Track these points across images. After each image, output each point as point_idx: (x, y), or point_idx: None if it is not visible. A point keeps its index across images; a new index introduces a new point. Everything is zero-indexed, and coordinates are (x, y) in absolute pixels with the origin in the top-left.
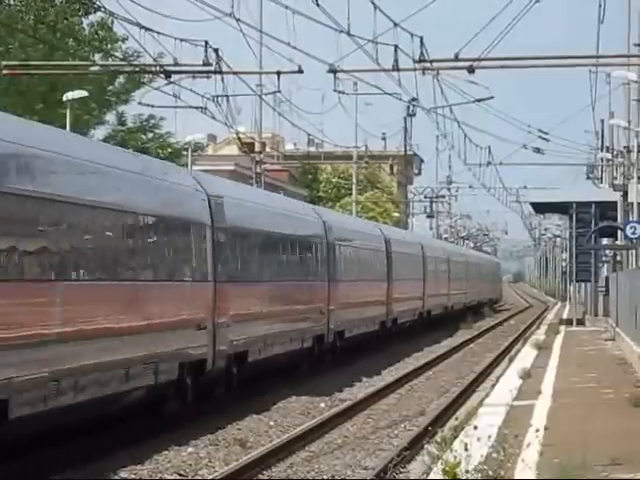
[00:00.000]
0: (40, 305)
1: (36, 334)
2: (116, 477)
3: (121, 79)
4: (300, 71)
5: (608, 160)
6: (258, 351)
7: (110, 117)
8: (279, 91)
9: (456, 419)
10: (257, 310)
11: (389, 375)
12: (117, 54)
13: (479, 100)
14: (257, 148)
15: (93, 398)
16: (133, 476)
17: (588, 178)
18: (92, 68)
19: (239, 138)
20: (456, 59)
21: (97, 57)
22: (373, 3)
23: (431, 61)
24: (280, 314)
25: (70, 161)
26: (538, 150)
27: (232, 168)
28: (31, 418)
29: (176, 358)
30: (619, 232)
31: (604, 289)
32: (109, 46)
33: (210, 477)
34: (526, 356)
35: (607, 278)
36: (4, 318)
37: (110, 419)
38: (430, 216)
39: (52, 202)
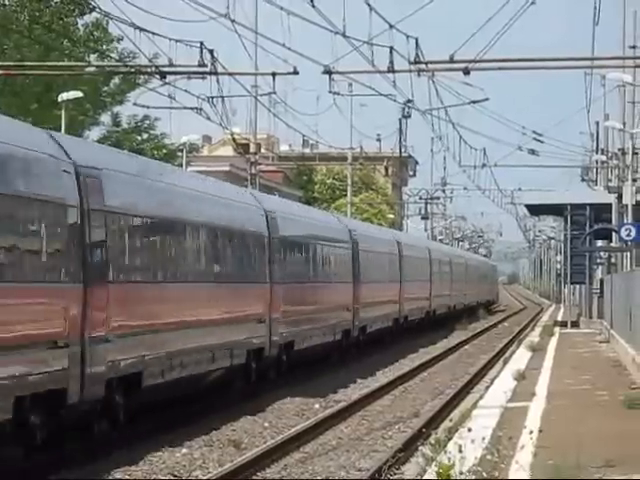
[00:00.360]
0: (158, 301)
1: (156, 323)
2: (110, 478)
3: (116, 80)
4: (295, 72)
5: (603, 162)
6: (302, 341)
7: (105, 118)
8: (274, 92)
9: (450, 421)
10: (301, 307)
11: (383, 376)
12: (112, 55)
13: (474, 102)
14: (252, 149)
15: (192, 374)
16: (127, 477)
17: (583, 180)
18: (87, 69)
19: (234, 139)
20: (451, 61)
21: (92, 58)
22: (368, 4)
23: (426, 62)
24: (318, 311)
25: (183, 191)
26: (533, 152)
27: (227, 169)
28: (153, 388)
29: (245, 346)
30: (614, 234)
31: (599, 291)
32: (104, 47)
33: (204, 478)
34: (520, 358)
35: (602, 280)
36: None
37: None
38: (425, 218)
39: (167, 221)
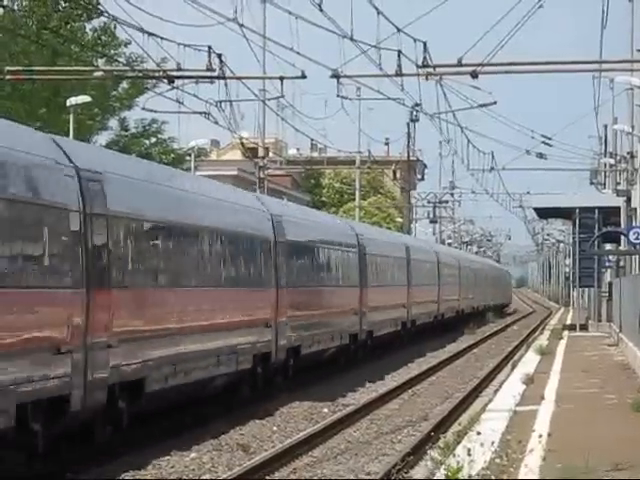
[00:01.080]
0: (161, 306)
1: (159, 329)
2: None
3: (124, 84)
4: (303, 76)
5: (611, 165)
6: (308, 346)
7: (113, 123)
8: (282, 96)
9: (459, 424)
10: (308, 311)
11: (392, 380)
12: (120, 59)
13: (482, 105)
14: (260, 153)
15: (197, 380)
16: None
17: (591, 183)
18: (95, 73)
19: (242, 143)
20: (459, 64)
21: (100, 62)
22: (376, 8)
23: (434, 66)
24: (325, 315)
25: (187, 195)
26: (541, 155)
27: (235, 173)
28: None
29: (252, 350)
30: (622, 237)
31: (607, 294)
32: (112, 51)
33: None
34: (529, 361)
35: (610, 283)
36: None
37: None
38: (433, 221)
39: (171, 225)
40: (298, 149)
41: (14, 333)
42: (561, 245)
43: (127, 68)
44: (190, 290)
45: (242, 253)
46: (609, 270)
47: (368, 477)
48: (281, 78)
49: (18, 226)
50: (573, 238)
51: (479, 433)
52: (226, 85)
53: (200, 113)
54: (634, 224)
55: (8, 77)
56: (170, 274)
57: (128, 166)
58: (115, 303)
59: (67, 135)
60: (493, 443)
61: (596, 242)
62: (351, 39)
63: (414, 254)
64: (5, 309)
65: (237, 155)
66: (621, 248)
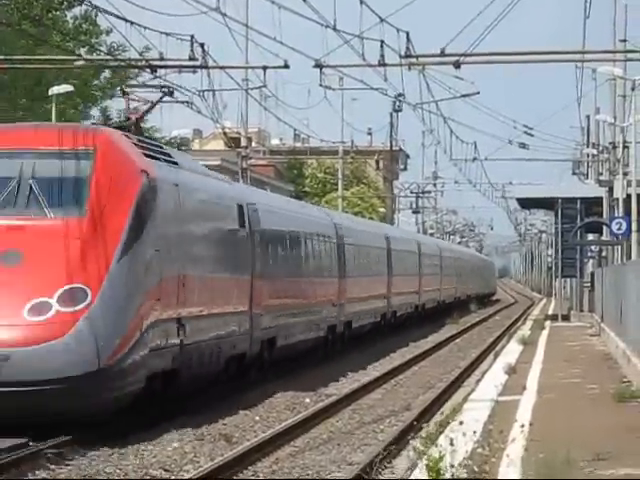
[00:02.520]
0: (286, 290)
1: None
2: (101, 472)
3: (106, 73)
4: (286, 66)
5: (594, 156)
6: (358, 318)
7: (95, 112)
8: (265, 86)
9: (441, 414)
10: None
11: (374, 370)
12: (102, 48)
13: (465, 95)
14: (243, 143)
15: (301, 340)
16: (118, 471)
17: (574, 174)
18: (77, 62)
19: (225, 133)
20: (442, 54)
21: (82, 52)
22: None
23: (417, 56)
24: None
25: (290, 213)
26: (524, 145)
27: (218, 163)
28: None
29: (325, 322)
30: (604, 228)
31: (589, 285)
32: (93, 40)
33: (195, 472)
34: (511, 352)
35: (592, 274)
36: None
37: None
38: (416, 211)
39: (289, 234)
40: (281, 139)
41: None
42: (543, 235)
43: (109, 57)
44: (301, 279)
45: (321, 252)
46: (591, 260)
47: (350, 467)
48: (264, 68)
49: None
50: (555, 228)
51: (461, 423)
52: (209, 75)
53: (183, 102)
54: (616, 214)
55: None
56: (292, 268)
57: (266, 198)
58: (263, 285)
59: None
60: (475, 433)
61: (578, 232)
62: (334, 29)
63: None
64: (220, 287)
65: (220, 145)
66: (603, 238)
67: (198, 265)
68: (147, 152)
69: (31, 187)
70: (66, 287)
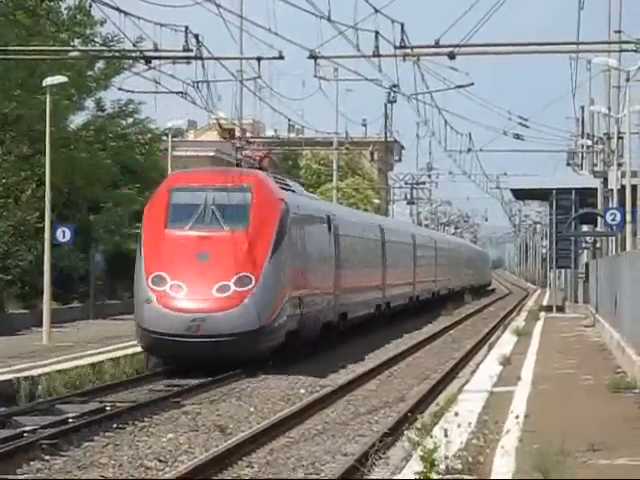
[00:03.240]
0: (355, 276)
1: (355, 287)
2: (96, 463)
3: (100, 64)
4: (281, 57)
5: (588, 147)
6: (396, 299)
7: (90, 103)
8: (259, 77)
9: (436, 405)
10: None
11: (369, 361)
12: (96, 39)
13: (460, 86)
14: (238, 134)
15: (361, 315)
16: (113, 462)
17: (568, 165)
18: (71, 53)
19: (219, 124)
20: (437, 45)
21: (76, 42)
22: None
23: (412, 47)
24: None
25: (357, 220)
26: (518, 136)
27: (213, 154)
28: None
29: (375, 301)
30: (599, 219)
31: (584, 276)
32: (87, 31)
33: (190, 463)
34: (506, 343)
35: (587, 265)
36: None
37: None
38: (411, 202)
39: (359, 238)
40: (276, 130)
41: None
42: (538, 226)
43: (104, 48)
44: (361, 269)
45: (371, 249)
46: (586, 251)
47: (345, 458)
48: (258, 59)
49: (311, 239)
50: (550, 219)
51: (456, 414)
52: (203, 66)
53: (177, 93)
54: (611, 205)
55: None
56: (356, 261)
57: (340, 210)
58: (341, 273)
59: (44, 115)
60: (470, 424)
61: (573, 223)
62: (329, 20)
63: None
64: (321, 276)
65: (214, 136)
66: (598, 229)
67: (309, 260)
68: (280, 185)
69: (213, 211)
70: (238, 275)
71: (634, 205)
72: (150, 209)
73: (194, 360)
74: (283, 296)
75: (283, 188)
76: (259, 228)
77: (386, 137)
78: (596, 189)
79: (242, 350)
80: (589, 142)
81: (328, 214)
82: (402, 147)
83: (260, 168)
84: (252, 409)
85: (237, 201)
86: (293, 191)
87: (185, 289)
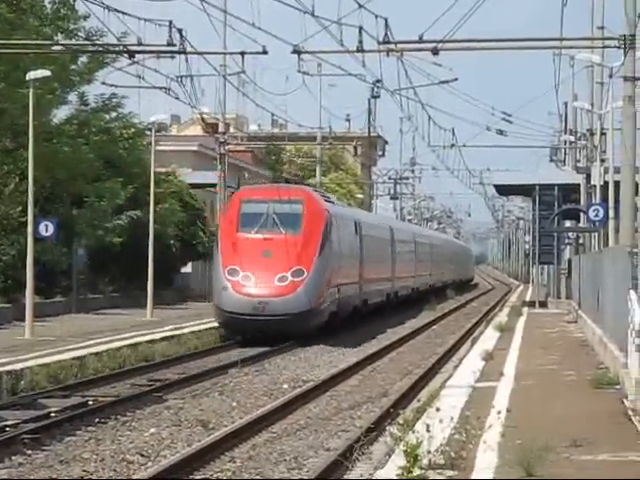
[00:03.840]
0: (372, 270)
1: (371, 278)
2: (78, 458)
3: (84, 59)
4: (264, 52)
5: (571, 143)
6: (402, 288)
7: (73, 97)
8: (243, 72)
9: (419, 401)
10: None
11: (352, 356)
12: (80, 34)
13: (443, 82)
14: (221, 129)
15: (377, 302)
16: (95, 456)
17: (551, 160)
18: (55, 47)
19: (203, 119)
20: (420, 41)
21: (60, 37)
22: None
23: (395, 42)
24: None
25: (378, 222)
26: (501, 132)
27: (195, 149)
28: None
29: (386, 291)
30: (582, 215)
31: (567, 271)
32: (71, 25)
33: (172, 458)
34: (489, 338)
35: (570, 260)
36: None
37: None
38: (394, 198)
39: (377, 237)
40: (259, 125)
41: (353, 279)
42: (521, 222)
43: (87, 42)
44: (376, 264)
45: (383, 247)
46: (568, 247)
47: (328, 453)
48: (242, 53)
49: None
50: (533, 215)
51: (438, 409)
52: (187, 60)
53: (160, 88)
54: (593, 201)
55: None
56: (374, 257)
57: (365, 215)
58: (364, 267)
59: (27, 110)
60: (452, 419)
61: (556, 219)
62: (312, 15)
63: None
64: (351, 270)
65: (198, 130)
66: (580, 225)
67: (344, 257)
68: (324, 197)
69: (274, 219)
70: (294, 268)
71: (617, 201)
72: (225, 216)
73: (259, 334)
74: (327, 285)
75: (326, 200)
76: (309, 232)
77: (369, 132)
78: (579, 185)
79: (296, 327)
80: (572, 138)
81: (355, 219)
82: (385, 142)
83: (302, 183)
84: (235, 404)
85: (292, 211)
86: (332, 202)
87: (253, 279)
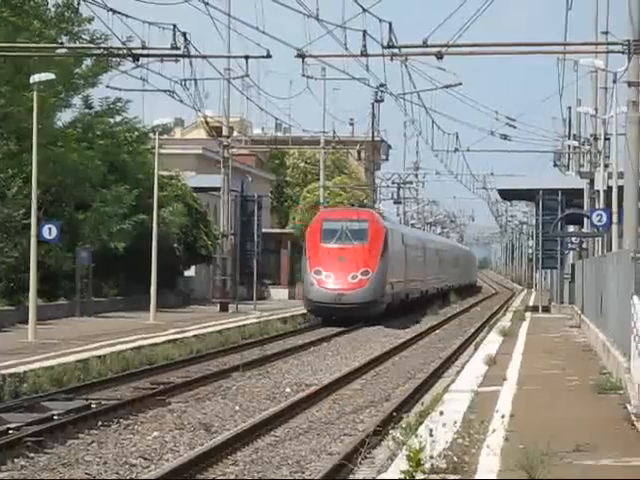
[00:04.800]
0: (412, 272)
1: (411, 279)
2: (80, 461)
3: (88, 62)
4: (268, 56)
5: (575, 147)
6: (431, 286)
7: (77, 100)
8: (247, 75)
9: (422, 405)
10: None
11: (355, 360)
12: (84, 37)
13: (447, 86)
14: (225, 132)
15: (414, 297)
16: (98, 460)
17: (555, 165)
18: (59, 50)
19: (206, 122)
20: (424, 45)
21: (64, 40)
22: None
23: (399, 47)
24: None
25: (416, 234)
26: (505, 137)
27: (199, 152)
28: (410, 299)
29: (420, 289)
30: (585, 220)
31: (570, 276)
32: (75, 28)
33: (175, 461)
34: (492, 342)
35: (573, 265)
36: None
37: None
38: (397, 202)
39: (419, 246)
40: (263, 128)
41: (400, 278)
42: (524, 227)
43: (92, 45)
44: (415, 267)
45: (417, 254)
46: (572, 252)
47: (330, 457)
48: (246, 57)
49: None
50: (536, 220)
51: (441, 413)
52: (191, 64)
53: (165, 91)
54: (597, 206)
55: None
56: (413, 262)
57: (407, 229)
58: (407, 270)
59: (30, 113)
60: (455, 423)
61: (559, 224)
62: (316, 19)
63: (427, 244)
64: (399, 271)
65: (202, 134)
66: (584, 230)
67: (395, 262)
68: (382, 216)
69: (346, 233)
70: (362, 269)
71: (620, 206)
72: (310, 231)
73: (337, 317)
74: (385, 282)
75: (383, 218)
76: (373, 243)
77: (373, 136)
78: (582, 190)
79: (363, 313)
80: (576, 143)
81: (402, 233)
82: (389, 146)
83: (367, 206)
84: (237, 407)
85: (360, 227)
86: (389, 220)
87: (332, 277)
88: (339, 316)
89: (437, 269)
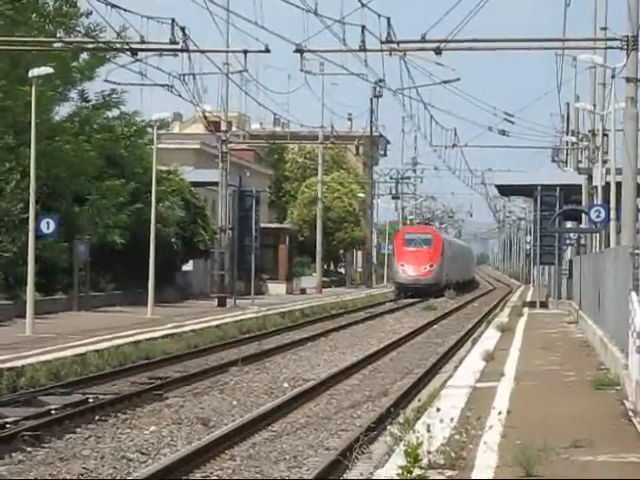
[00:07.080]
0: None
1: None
2: (78, 455)
3: (85, 55)
4: (267, 50)
5: (573, 143)
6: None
7: (74, 94)
8: (246, 70)
9: (419, 400)
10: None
11: (352, 355)
12: (79, 29)
13: (445, 82)
14: (223, 127)
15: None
16: (95, 454)
17: (553, 161)
18: (56, 44)
19: (205, 117)
20: (423, 40)
21: (61, 33)
22: None
23: (398, 42)
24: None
25: (454, 242)
26: (503, 132)
27: (198, 147)
28: (459, 283)
29: (462, 278)
30: (583, 215)
31: (567, 272)
32: (73, 22)
33: (172, 456)
34: (489, 338)
35: (571, 261)
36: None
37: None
38: (395, 197)
39: (457, 252)
40: (261, 123)
41: (451, 272)
42: (522, 222)
43: (90, 39)
44: (459, 264)
45: (458, 255)
46: (570, 248)
47: (328, 452)
48: (245, 52)
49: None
50: (534, 215)
51: (439, 409)
52: (189, 58)
53: (163, 86)
54: (595, 202)
55: None
56: (458, 260)
57: (450, 237)
58: (451, 266)
59: (29, 107)
60: (452, 419)
61: (557, 220)
62: (315, 14)
63: (451, 246)
64: (449, 267)
65: (200, 128)
66: (582, 226)
67: (447, 260)
68: (440, 230)
69: (419, 241)
70: (429, 263)
71: (618, 202)
72: (396, 239)
73: (415, 293)
74: (443, 273)
75: (440, 231)
76: (435, 247)
77: (371, 131)
78: (581, 186)
79: (430, 291)
80: (574, 139)
81: (449, 240)
82: (387, 142)
83: (429, 223)
84: (235, 402)
85: (427, 237)
86: (444, 231)
87: (411, 268)
88: (415, 292)
89: (463, 265)
